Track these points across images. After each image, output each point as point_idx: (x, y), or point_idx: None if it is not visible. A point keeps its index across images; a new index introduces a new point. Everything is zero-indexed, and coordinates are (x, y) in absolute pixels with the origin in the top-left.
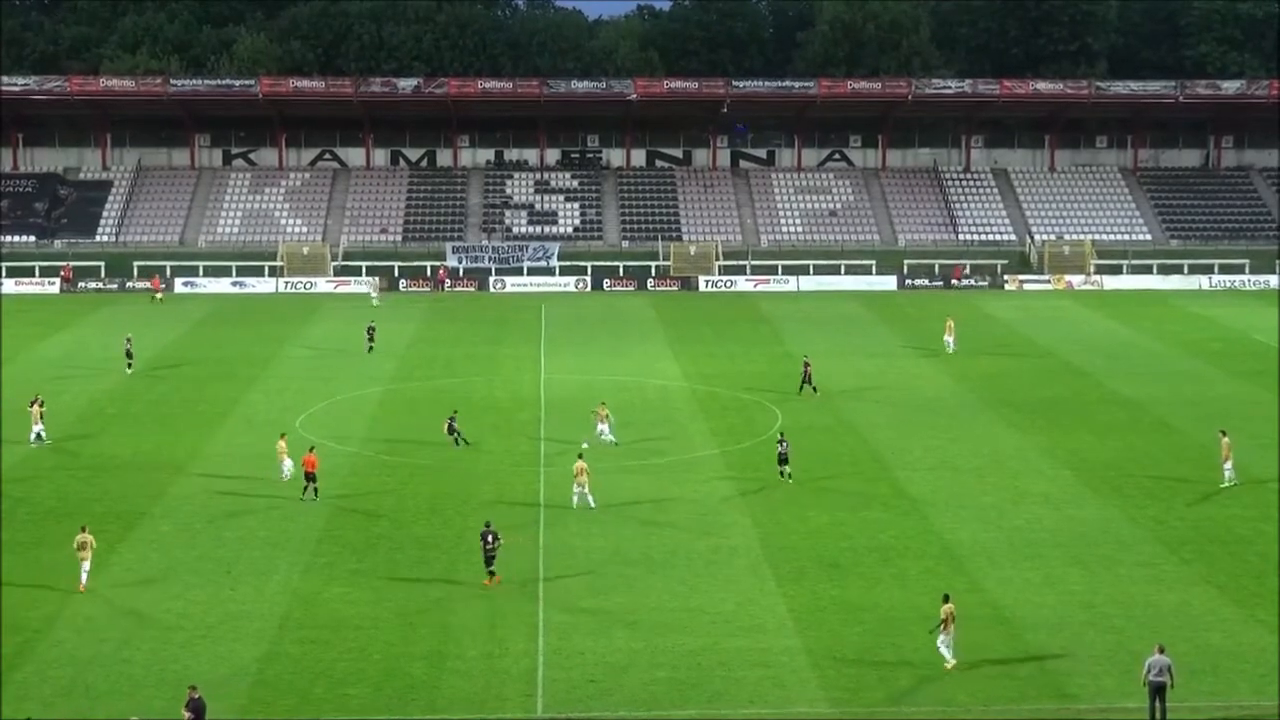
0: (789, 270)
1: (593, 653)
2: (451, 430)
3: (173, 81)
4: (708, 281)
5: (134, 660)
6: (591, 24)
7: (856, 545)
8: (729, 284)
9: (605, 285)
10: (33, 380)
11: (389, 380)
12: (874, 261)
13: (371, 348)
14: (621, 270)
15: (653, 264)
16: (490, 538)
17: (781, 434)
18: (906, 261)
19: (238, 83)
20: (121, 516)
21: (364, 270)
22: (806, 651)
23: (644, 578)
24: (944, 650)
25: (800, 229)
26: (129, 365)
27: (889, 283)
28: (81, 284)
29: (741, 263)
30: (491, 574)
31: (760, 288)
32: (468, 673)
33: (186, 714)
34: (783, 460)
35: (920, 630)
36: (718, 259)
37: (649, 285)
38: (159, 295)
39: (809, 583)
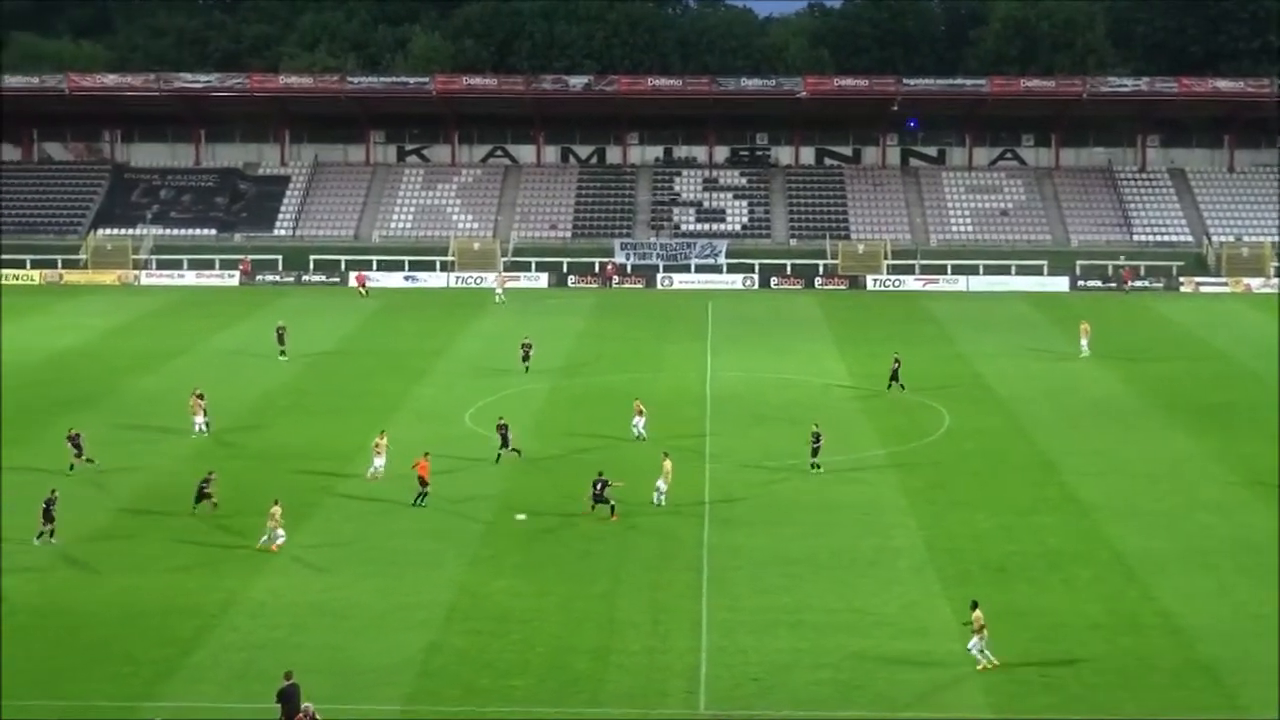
0: (959, 270)
1: (755, 651)
2: (504, 440)
3: (349, 79)
4: (876, 281)
5: (305, 646)
6: (762, 21)
7: (1023, 550)
8: (897, 283)
9: (772, 283)
10: (208, 371)
11: (556, 376)
12: (1045, 262)
13: (283, 352)
14: (789, 268)
15: (820, 262)
16: (600, 485)
17: (816, 429)
18: (1079, 262)
19: (412, 80)
20: (293, 506)
21: (533, 266)
22: (971, 656)
23: (808, 577)
24: (975, 653)
25: (970, 228)
26: (281, 353)
27: (1061, 284)
28: (260, 277)
29: (910, 262)
30: (605, 508)
31: (929, 287)
32: (631, 668)
33: (276, 703)
34: (813, 454)
35: (1089, 638)
36: (886, 258)
37: (816, 284)
38: (364, 291)
39: (974, 586)
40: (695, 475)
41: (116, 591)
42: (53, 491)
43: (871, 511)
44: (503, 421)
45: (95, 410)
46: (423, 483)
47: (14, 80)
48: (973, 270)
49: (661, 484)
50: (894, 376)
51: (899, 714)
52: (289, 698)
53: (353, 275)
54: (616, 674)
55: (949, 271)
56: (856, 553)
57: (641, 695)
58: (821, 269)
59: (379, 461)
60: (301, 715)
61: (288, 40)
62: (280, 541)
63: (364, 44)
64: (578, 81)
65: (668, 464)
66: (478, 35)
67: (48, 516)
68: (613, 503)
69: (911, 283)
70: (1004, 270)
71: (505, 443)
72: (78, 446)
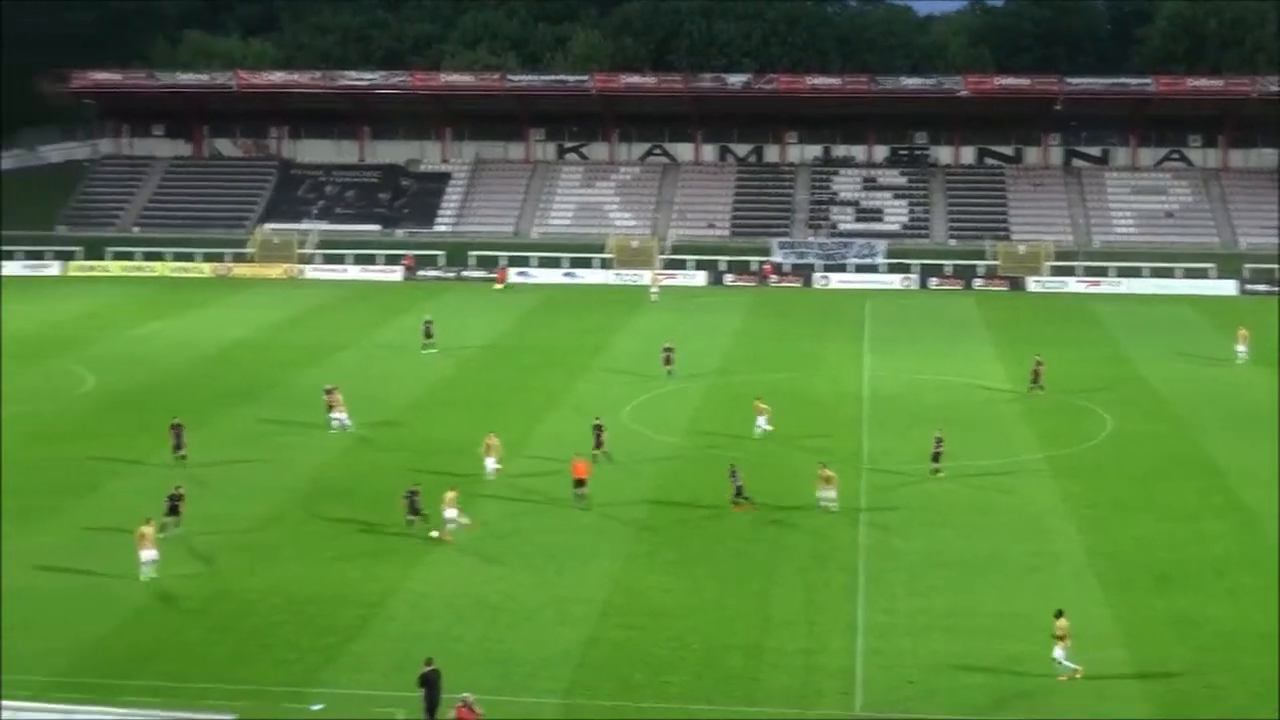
0: (1122, 272)
1: (911, 654)
2: (598, 440)
3: (510, 77)
4: (1037, 282)
5: (463, 638)
6: (922, 19)
7: (1188, 557)
8: (1059, 285)
9: (931, 284)
10: (370, 365)
11: (713, 374)
12: (1213, 265)
13: (429, 345)
14: (948, 269)
15: (980, 263)
16: (736, 473)
17: (939, 433)
18: (1247, 266)
19: (572, 79)
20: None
21: (690, 264)
22: (1132, 664)
23: (964, 581)
24: (1058, 663)
25: (1134, 230)
26: (427, 346)
27: (1228, 287)
28: (421, 272)
29: (1072, 263)
30: (745, 501)
31: (1091, 289)
32: (786, 667)
33: (420, 690)
34: (934, 459)
35: (1255, 647)
36: (1047, 259)
37: (975, 284)
38: (500, 285)
39: (1136, 593)
40: (851, 476)
41: (280, 580)
42: (177, 487)
43: (1030, 515)
44: (599, 422)
45: (259, 402)
46: (579, 483)
47: (186, 77)
48: (1136, 273)
49: (828, 492)
50: (1035, 378)
51: None
52: (430, 683)
53: (493, 270)
54: (771, 673)
55: (1112, 274)
56: (1014, 557)
57: (797, 695)
58: (981, 270)
59: (489, 462)
60: (461, 705)
61: (450, 38)
62: (454, 525)
63: (524, 42)
64: (736, 80)
65: (829, 472)
66: (637, 33)
67: (173, 510)
68: (746, 494)
69: (1073, 284)
70: (1169, 273)
71: (599, 443)
72: (178, 438)
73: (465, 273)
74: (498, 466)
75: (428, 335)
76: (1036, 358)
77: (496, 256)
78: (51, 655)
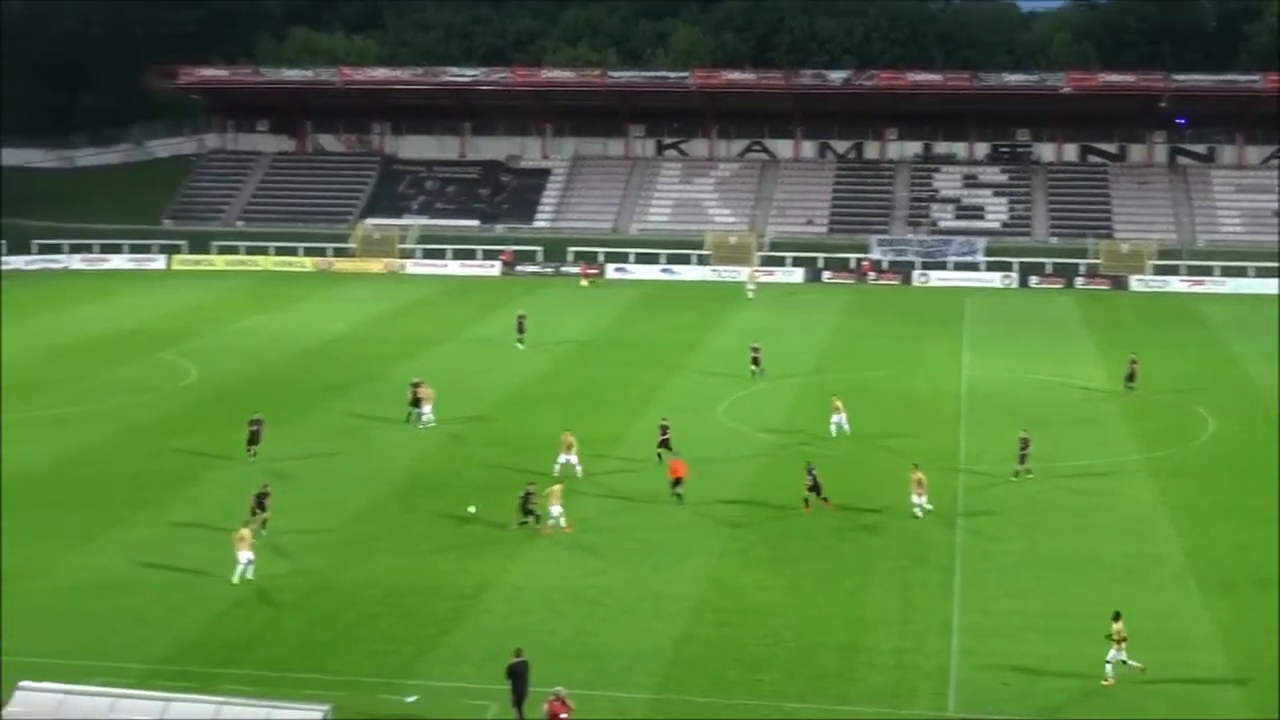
0: (1227, 272)
1: (1006, 655)
2: (664, 441)
3: (610, 73)
4: (1139, 281)
5: (558, 632)
6: (1025, 16)
7: None
8: (1162, 284)
9: (1031, 282)
10: (468, 359)
11: (808, 371)
12: None
13: (521, 340)
14: (1049, 267)
15: (1082, 262)
16: (812, 470)
17: (1025, 434)
18: None
19: (672, 75)
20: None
21: (788, 260)
22: (1232, 670)
23: (1061, 582)
24: (1111, 665)
25: (1241, 229)
26: (520, 341)
27: None
28: (520, 267)
29: (1176, 262)
30: (821, 500)
31: (1195, 289)
32: (880, 666)
33: (508, 681)
34: (1020, 460)
35: None
36: (1151, 258)
37: (1077, 283)
38: (585, 282)
39: (1238, 599)
40: (948, 476)
41: (376, 572)
42: (265, 485)
43: (1129, 517)
44: (665, 422)
45: (357, 396)
46: (676, 483)
47: (291, 74)
48: (1241, 272)
49: (919, 498)
50: (1130, 377)
51: None
52: (518, 675)
53: (581, 266)
54: (865, 671)
55: (1216, 273)
56: (1113, 558)
57: (890, 694)
58: (1083, 268)
59: (567, 457)
60: (554, 698)
61: (551, 35)
62: (554, 522)
63: (625, 38)
64: (837, 76)
65: (920, 474)
66: (738, 29)
67: (260, 507)
68: (824, 494)
69: (1177, 284)
70: (1274, 273)
71: (665, 444)
72: (255, 435)
73: (564, 268)
74: (569, 460)
75: (520, 330)
76: (1132, 357)
77: (595, 253)
78: (151, 644)
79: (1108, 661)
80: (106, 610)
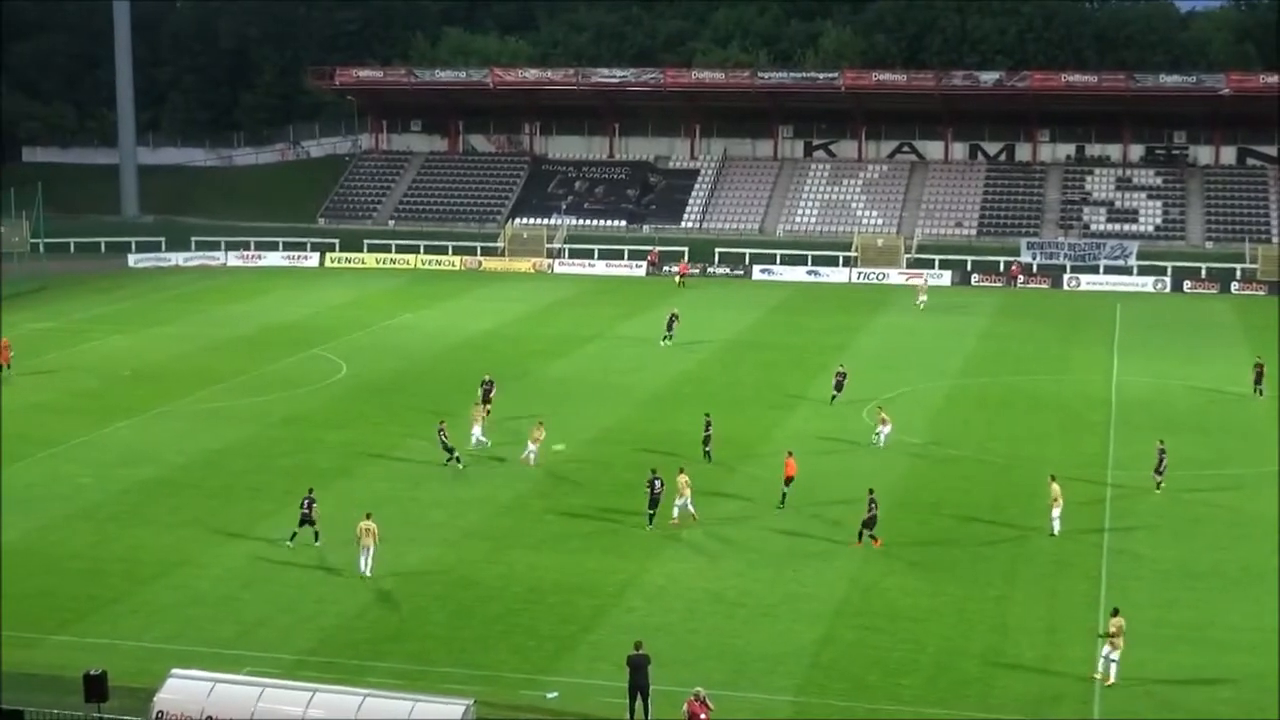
0: None
1: (1154, 665)
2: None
3: (760, 74)
4: None
5: (699, 631)
6: (1184, 16)
7: None
8: None
9: (1185, 287)
10: (613, 358)
11: (956, 375)
12: None
13: (669, 338)
14: (1204, 272)
15: (1238, 266)
16: (872, 504)
17: (1161, 444)
18: None
19: (821, 75)
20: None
21: (936, 263)
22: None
23: (1213, 592)
24: (1102, 664)
25: None
26: (667, 338)
27: None
28: (666, 268)
29: None
30: (872, 537)
31: None
32: (1024, 674)
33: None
34: (1158, 470)
35: None
36: None
37: (1233, 288)
38: (680, 279)
39: None
40: (1098, 483)
41: (521, 568)
42: (310, 491)
43: None
44: (708, 417)
45: (508, 392)
46: (788, 481)
47: (444, 74)
48: None
49: (1054, 511)
50: (1258, 380)
51: None
52: (636, 666)
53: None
54: (1007, 679)
55: None
56: (1267, 569)
57: (1033, 702)
58: (1239, 273)
59: (532, 448)
60: (693, 698)
61: (701, 35)
62: (680, 510)
63: (775, 39)
64: (989, 77)
65: (1056, 488)
66: (889, 30)
67: (307, 520)
68: (874, 530)
69: None
70: None
71: (708, 440)
72: (444, 440)
73: (710, 269)
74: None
75: (669, 328)
76: (1259, 359)
77: (742, 254)
78: (298, 635)
79: (1102, 659)
80: (257, 600)
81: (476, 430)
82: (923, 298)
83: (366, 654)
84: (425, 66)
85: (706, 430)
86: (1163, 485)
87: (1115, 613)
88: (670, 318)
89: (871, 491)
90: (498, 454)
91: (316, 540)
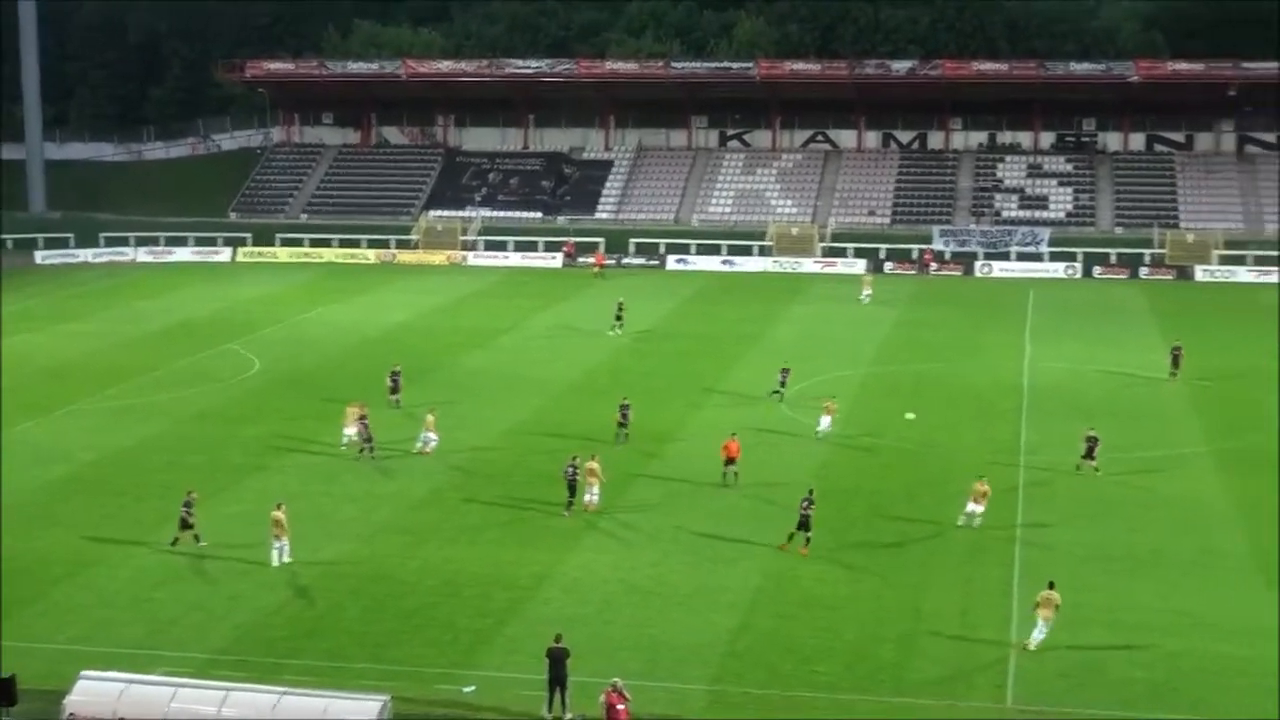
0: None
1: (1067, 648)
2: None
3: (674, 65)
4: (1205, 271)
5: (615, 622)
6: (1093, 4)
7: None
8: (1228, 274)
9: (1095, 272)
10: (530, 351)
11: (870, 363)
12: None
13: (618, 327)
14: (1114, 257)
15: (1147, 251)
16: (807, 504)
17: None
18: None
19: (735, 65)
20: (607, 484)
21: (850, 252)
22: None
23: (1124, 576)
24: (1035, 633)
25: None
26: (617, 327)
27: None
28: (582, 259)
29: (1243, 252)
30: (805, 539)
31: (1263, 279)
32: (938, 658)
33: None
34: (1089, 456)
35: None
36: (1217, 248)
37: (1142, 274)
38: (598, 270)
39: None
40: (1010, 469)
41: (436, 562)
42: (189, 494)
43: (1194, 510)
44: (625, 402)
45: (423, 385)
46: (729, 462)
47: (356, 66)
48: None
49: (977, 507)
50: (1174, 364)
51: None
52: (556, 659)
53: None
54: (922, 664)
55: None
56: (1177, 552)
57: (948, 686)
58: (1148, 258)
59: (430, 436)
60: (610, 689)
61: (615, 26)
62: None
63: (689, 30)
64: (901, 66)
65: (984, 486)
66: (802, 20)
67: (186, 524)
68: (809, 533)
69: (1244, 274)
70: None
71: (624, 423)
72: (364, 426)
73: (626, 260)
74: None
75: (618, 317)
76: (1175, 343)
77: (656, 244)
78: (211, 634)
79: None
80: (169, 600)
81: (350, 430)
82: (867, 291)
83: (281, 651)
84: (337, 59)
85: (624, 414)
86: (1094, 471)
87: (1051, 585)
88: (617, 307)
89: (810, 491)
90: (416, 447)
91: (197, 542)
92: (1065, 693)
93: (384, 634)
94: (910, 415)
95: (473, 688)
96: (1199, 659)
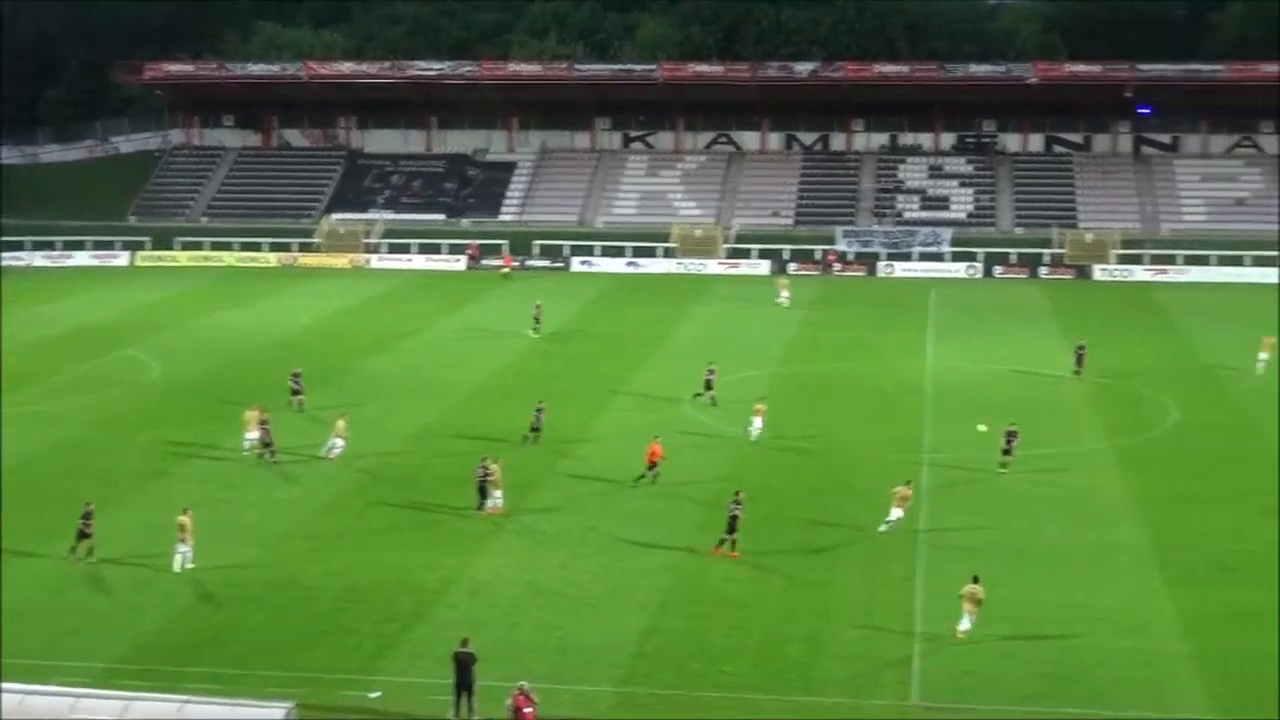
0: (1190, 260)
1: (970, 645)
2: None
3: (577, 66)
4: (1103, 270)
5: (522, 625)
6: (992, 7)
7: (1252, 549)
8: (1126, 273)
9: (996, 272)
10: (436, 353)
11: (776, 363)
12: None
13: (536, 329)
14: (1014, 257)
15: (1046, 251)
16: (735, 505)
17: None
18: None
19: (639, 67)
20: (514, 486)
21: (754, 253)
22: (1194, 657)
23: (1027, 571)
24: (962, 622)
25: (1204, 218)
26: (535, 330)
27: None
28: (486, 261)
29: (1140, 252)
30: (732, 542)
31: (1159, 278)
32: (845, 657)
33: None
34: (1005, 452)
35: None
36: (1115, 247)
37: (1041, 273)
38: (506, 271)
39: (1199, 586)
40: (912, 466)
41: (341, 567)
42: (88, 505)
43: (1093, 505)
44: (541, 406)
45: (324, 389)
46: (651, 465)
47: (256, 68)
48: (1204, 261)
49: (897, 512)
50: (1078, 362)
51: (1117, 713)
52: (462, 664)
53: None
54: (830, 663)
55: (1180, 262)
56: (1077, 547)
57: (854, 685)
58: (1047, 258)
59: (337, 443)
60: (518, 692)
61: (518, 28)
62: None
63: (592, 31)
64: (803, 68)
65: (906, 490)
66: (705, 21)
67: (84, 534)
68: (736, 536)
69: (1141, 273)
70: (1237, 261)
71: (536, 425)
72: (265, 431)
73: (530, 262)
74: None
75: (536, 319)
76: (1080, 342)
77: (560, 246)
78: (112, 643)
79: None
80: (68, 609)
81: (251, 435)
82: (785, 294)
83: (183, 659)
84: (237, 60)
85: (538, 417)
86: (1001, 468)
87: (975, 580)
88: (536, 309)
89: (738, 493)
90: (320, 452)
91: (90, 555)
92: (970, 689)
93: (288, 640)
94: (982, 427)
95: (379, 693)
96: (1100, 652)
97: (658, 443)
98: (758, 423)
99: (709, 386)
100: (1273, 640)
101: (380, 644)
